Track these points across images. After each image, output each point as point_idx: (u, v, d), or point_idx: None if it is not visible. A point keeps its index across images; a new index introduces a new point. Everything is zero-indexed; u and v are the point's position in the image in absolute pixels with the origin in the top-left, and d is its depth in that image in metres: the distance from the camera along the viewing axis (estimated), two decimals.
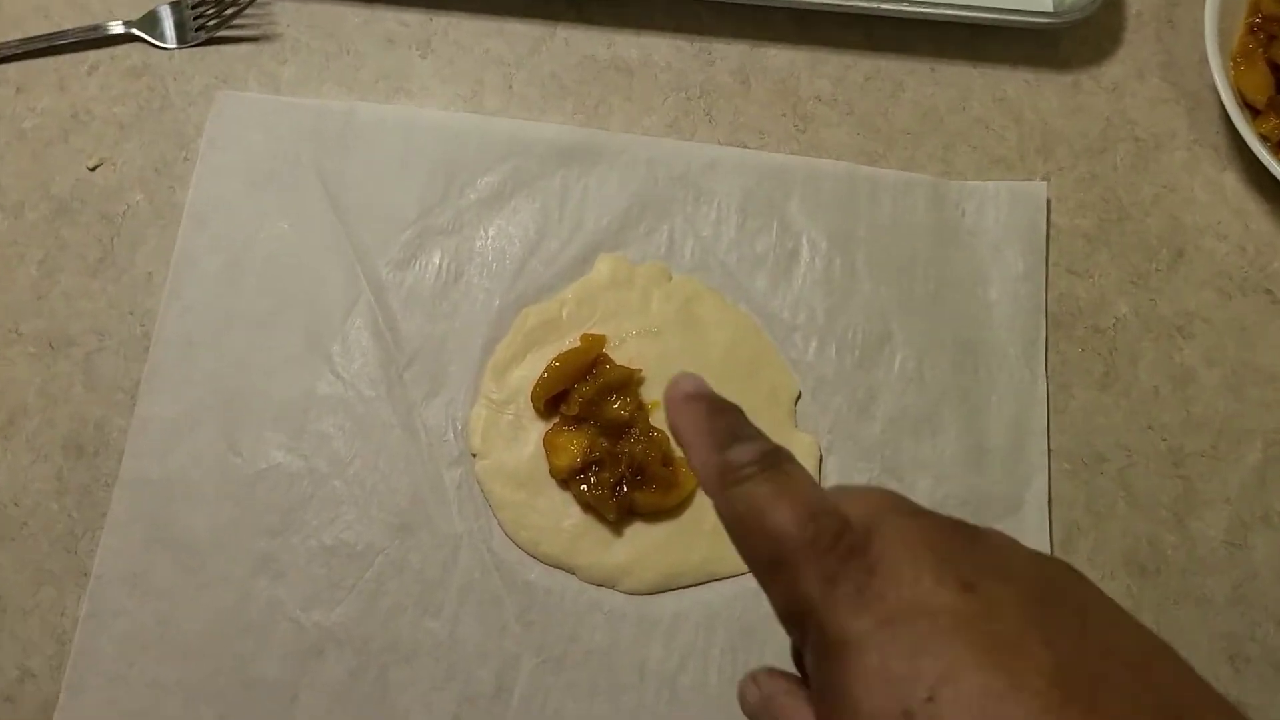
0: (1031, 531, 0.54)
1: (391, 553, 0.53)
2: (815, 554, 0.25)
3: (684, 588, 0.53)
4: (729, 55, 0.63)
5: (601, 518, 0.53)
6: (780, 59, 0.63)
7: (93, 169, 0.59)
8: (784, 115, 0.62)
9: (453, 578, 0.53)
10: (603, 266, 0.58)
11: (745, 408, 0.53)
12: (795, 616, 0.26)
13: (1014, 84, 0.63)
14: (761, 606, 0.51)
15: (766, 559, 0.26)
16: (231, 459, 0.54)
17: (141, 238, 0.58)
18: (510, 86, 0.62)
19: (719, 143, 0.61)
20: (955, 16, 0.61)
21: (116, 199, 0.59)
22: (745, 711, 0.31)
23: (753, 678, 0.31)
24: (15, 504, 0.54)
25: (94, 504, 0.54)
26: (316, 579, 0.52)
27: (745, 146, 0.61)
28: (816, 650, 0.25)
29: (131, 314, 0.57)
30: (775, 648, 0.52)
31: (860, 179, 0.60)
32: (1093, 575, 0.53)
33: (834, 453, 0.55)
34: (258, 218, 0.58)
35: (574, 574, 0.53)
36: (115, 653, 0.51)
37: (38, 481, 0.54)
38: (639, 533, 0.54)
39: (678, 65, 0.63)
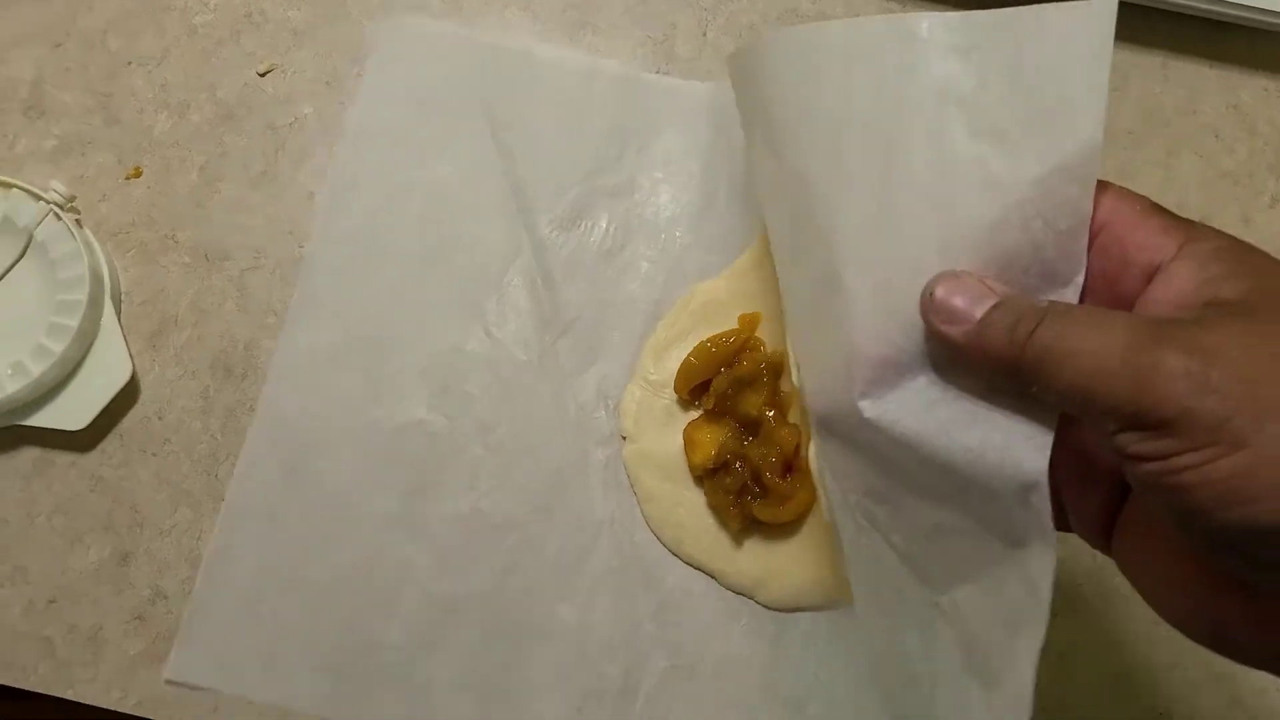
0: None
1: (529, 529, 0.50)
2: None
3: (817, 609, 0.50)
4: None
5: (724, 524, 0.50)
6: None
7: (262, 74, 0.56)
8: None
9: (590, 564, 0.50)
10: (765, 236, 0.54)
11: None
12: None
13: (1250, 90, 0.58)
14: (877, 645, 0.48)
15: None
16: (372, 409, 0.52)
17: (307, 153, 0.55)
18: (704, 34, 0.58)
19: None
20: (1197, 9, 0.56)
21: (284, 109, 0.56)
22: (956, 304, 0.30)
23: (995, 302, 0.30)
24: (159, 417, 0.52)
25: (238, 429, 0.52)
26: (449, 547, 0.50)
27: None
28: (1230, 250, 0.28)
29: (290, 234, 0.54)
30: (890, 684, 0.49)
31: None
32: None
33: None
34: (420, 152, 0.55)
35: (714, 579, 0.50)
36: (241, 589, 0.49)
37: (183, 398, 0.52)
38: (761, 545, 0.50)
39: None
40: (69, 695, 0.48)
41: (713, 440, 0.50)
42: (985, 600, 0.33)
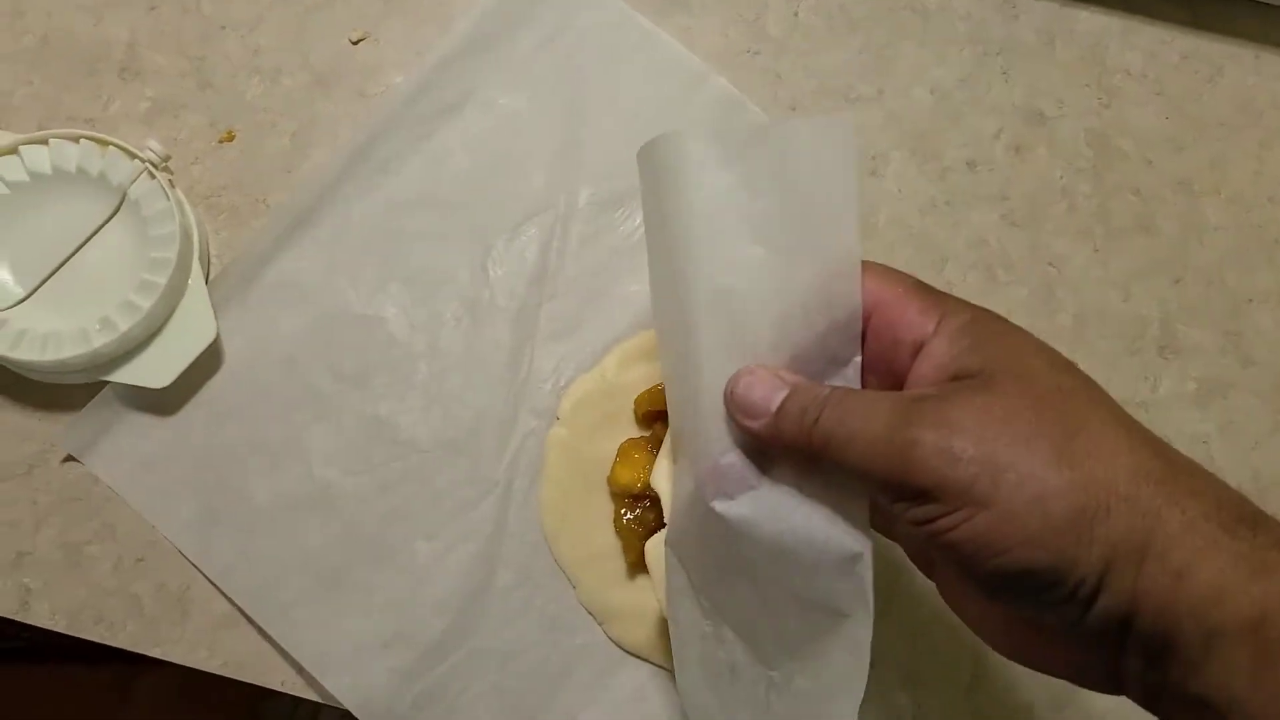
0: None
1: (428, 459, 0.51)
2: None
3: (661, 666, 0.49)
4: (1035, 11, 0.58)
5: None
6: (1091, 23, 0.58)
7: (355, 43, 0.56)
8: (1087, 86, 0.57)
9: (467, 517, 0.50)
10: None
11: None
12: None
13: None
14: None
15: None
16: (347, 290, 0.52)
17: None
18: (796, 14, 0.58)
19: (1014, 105, 0.56)
20: None
21: (375, 78, 0.56)
22: (756, 397, 0.33)
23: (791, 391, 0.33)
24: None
25: None
26: (350, 441, 0.51)
27: (1042, 114, 0.56)
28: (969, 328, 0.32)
29: None
30: None
31: None
32: None
33: None
34: (509, 76, 0.55)
35: (575, 588, 0.50)
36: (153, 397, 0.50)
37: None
38: (642, 585, 0.50)
39: (978, 15, 0.58)
40: (155, 653, 0.48)
41: (645, 467, 0.49)
42: (813, 670, 0.36)
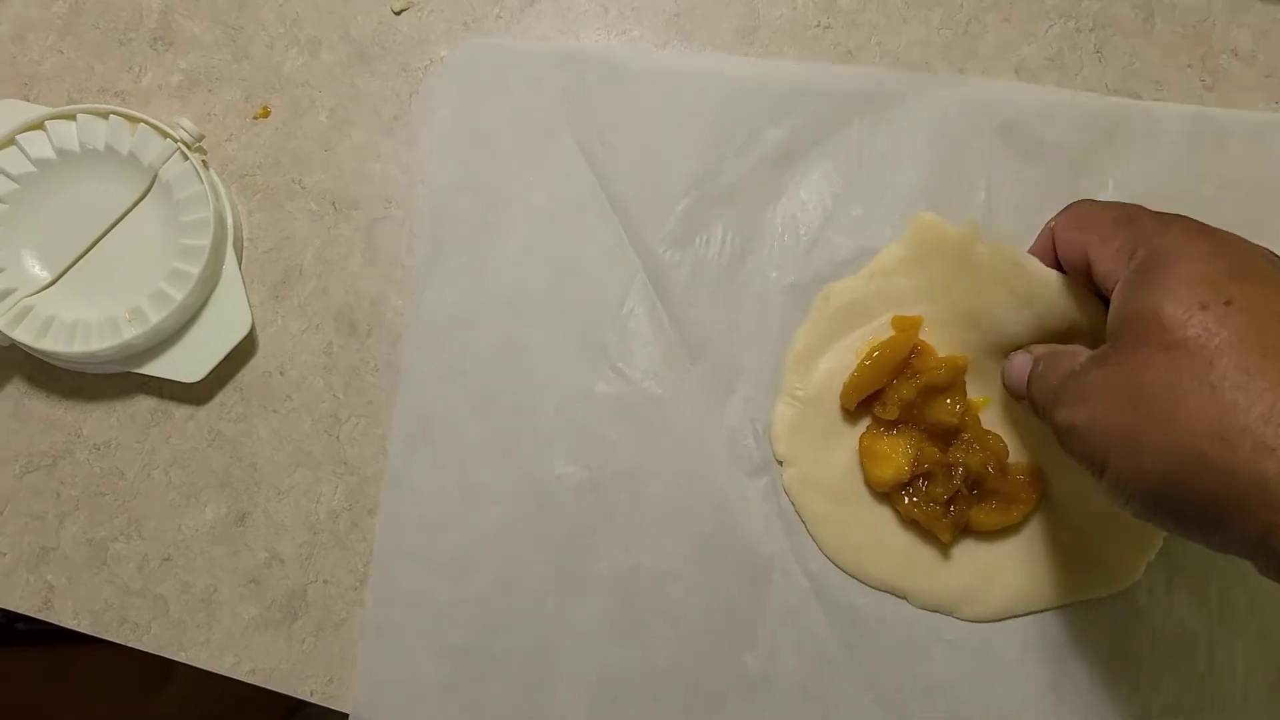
0: None
1: (696, 578, 0.47)
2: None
3: (1033, 613, 0.46)
4: None
5: (929, 536, 0.46)
6: None
7: (398, 13, 0.53)
8: (1189, 66, 0.52)
9: (767, 606, 0.46)
10: (913, 232, 0.48)
11: None
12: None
13: None
14: (1127, 633, 0.45)
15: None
16: (508, 467, 0.48)
17: (442, 98, 0.52)
18: None
19: (1106, 87, 0.52)
20: None
21: (420, 51, 0.52)
22: (1010, 381, 0.43)
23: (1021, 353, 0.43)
24: (281, 373, 0.49)
25: (361, 389, 0.49)
26: (615, 610, 0.47)
27: (1138, 97, 0.52)
28: (1136, 273, 0.36)
29: (423, 184, 0.51)
30: (1149, 678, 0.45)
31: (1206, 123, 0.50)
32: None
33: None
34: (507, 189, 0.50)
35: (905, 599, 0.46)
36: (406, 663, 0.47)
37: (305, 354, 0.49)
38: (975, 552, 0.46)
39: None
40: (181, 658, 0.46)
41: (900, 452, 0.46)
42: None
